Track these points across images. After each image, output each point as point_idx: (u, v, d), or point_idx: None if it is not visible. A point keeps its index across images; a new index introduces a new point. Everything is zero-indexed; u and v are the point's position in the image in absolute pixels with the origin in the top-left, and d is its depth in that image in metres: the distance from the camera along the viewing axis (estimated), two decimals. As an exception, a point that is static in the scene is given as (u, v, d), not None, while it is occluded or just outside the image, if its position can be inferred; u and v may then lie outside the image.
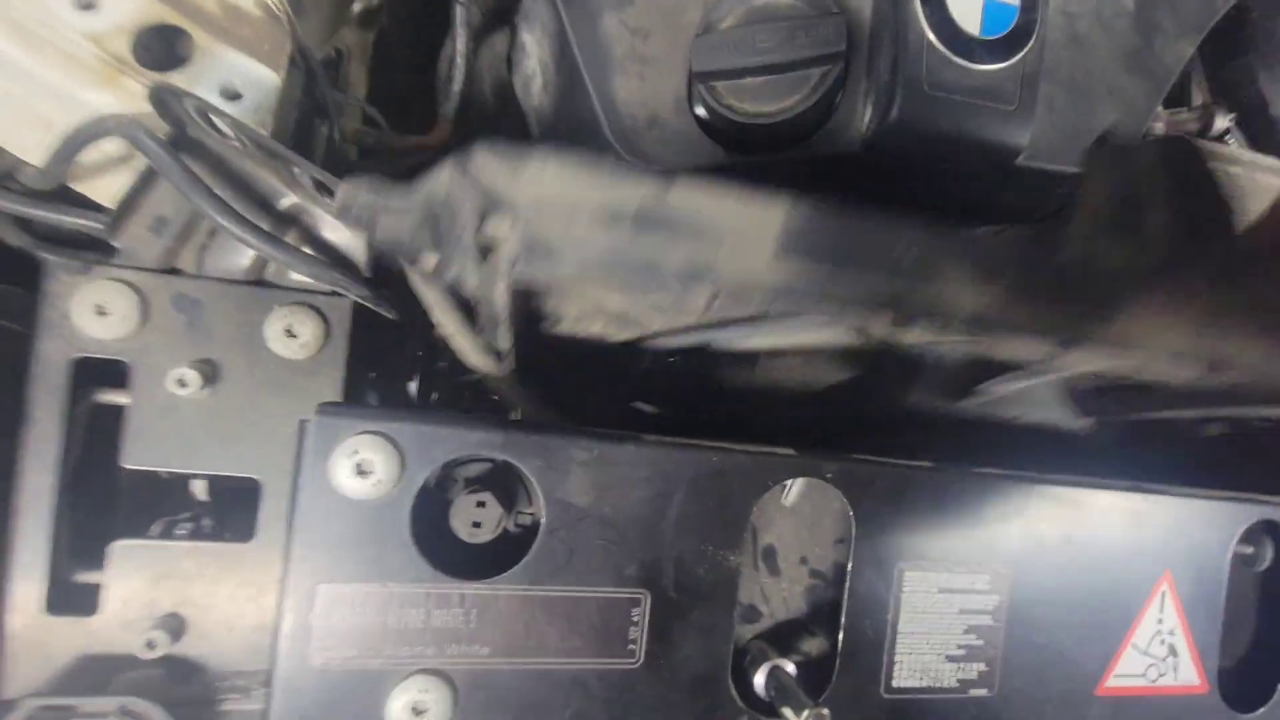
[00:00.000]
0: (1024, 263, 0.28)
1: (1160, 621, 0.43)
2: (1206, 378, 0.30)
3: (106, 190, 0.43)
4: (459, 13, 0.57)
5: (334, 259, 0.37)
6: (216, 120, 0.34)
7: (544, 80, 0.60)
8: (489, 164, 0.27)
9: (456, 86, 0.58)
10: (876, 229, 0.29)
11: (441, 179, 0.28)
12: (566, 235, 0.26)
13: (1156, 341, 0.29)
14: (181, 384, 0.35)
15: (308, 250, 0.36)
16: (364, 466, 0.31)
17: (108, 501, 0.38)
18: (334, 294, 0.37)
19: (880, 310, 0.29)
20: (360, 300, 0.38)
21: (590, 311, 0.37)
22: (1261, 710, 0.46)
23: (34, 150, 0.43)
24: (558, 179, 0.27)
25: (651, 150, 0.47)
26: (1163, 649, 0.44)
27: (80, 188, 0.43)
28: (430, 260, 0.28)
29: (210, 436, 0.36)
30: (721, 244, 0.26)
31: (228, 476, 0.36)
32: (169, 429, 0.35)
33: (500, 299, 0.30)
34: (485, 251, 0.27)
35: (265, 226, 0.35)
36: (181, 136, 0.34)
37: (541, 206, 0.26)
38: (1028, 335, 0.29)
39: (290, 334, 0.36)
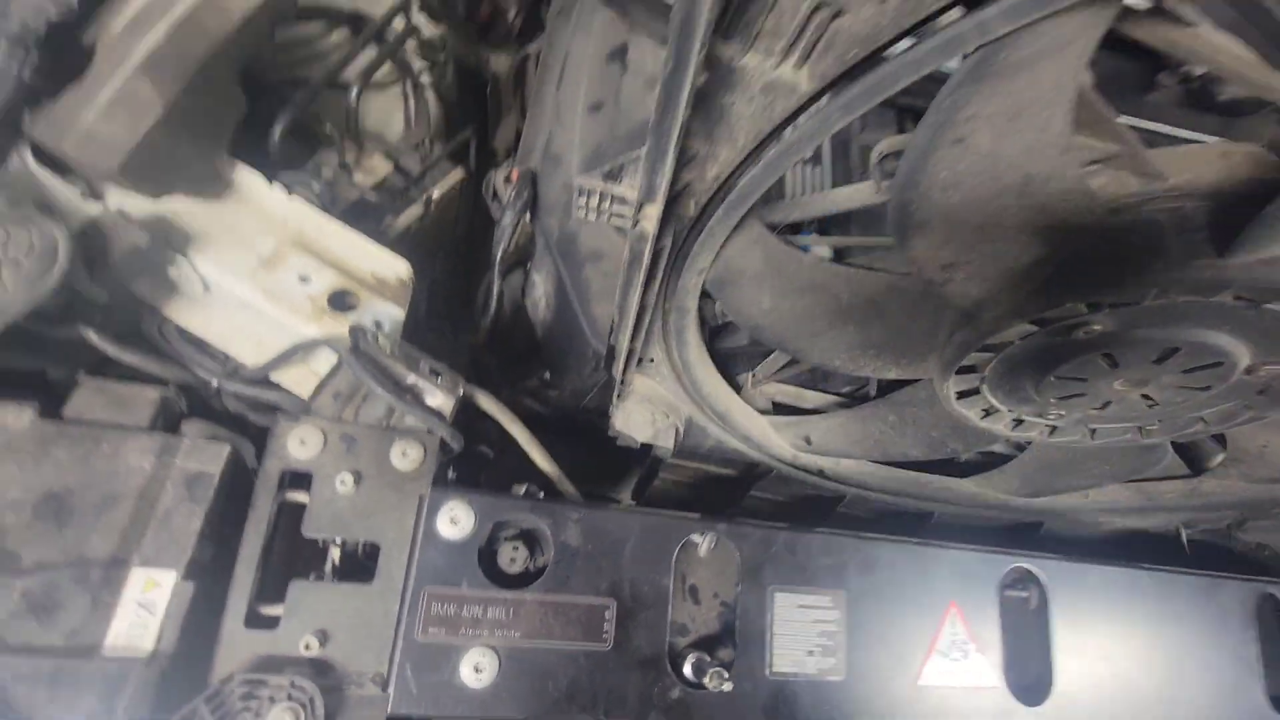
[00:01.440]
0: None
1: (954, 636, 0.66)
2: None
3: (292, 380, 0.71)
4: (497, 258, 0.89)
5: (431, 413, 0.64)
6: (381, 338, 0.63)
7: (547, 303, 0.92)
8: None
9: (491, 306, 0.90)
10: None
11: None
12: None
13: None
14: (342, 484, 0.60)
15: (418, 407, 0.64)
16: (455, 519, 0.56)
17: (284, 559, 0.61)
18: (429, 433, 0.64)
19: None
20: (444, 438, 0.65)
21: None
22: (1044, 704, 0.67)
23: (249, 357, 0.71)
24: None
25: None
26: (960, 654, 0.65)
27: (277, 379, 0.71)
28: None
29: (355, 516, 0.60)
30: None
31: (363, 542, 0.60)
32: (332, 512, 0.60)
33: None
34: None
35: (397, 392, 0.63)
36: (356, 348, 0.63)
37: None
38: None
39: (404, 455, 0.62)
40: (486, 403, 0.66)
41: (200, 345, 0.69)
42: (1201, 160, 0.45)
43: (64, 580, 0.53)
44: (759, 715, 0.59)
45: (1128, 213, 0.44)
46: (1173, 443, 0.69)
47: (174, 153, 0.61)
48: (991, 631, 0.67)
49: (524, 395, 0.99)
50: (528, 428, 0.70)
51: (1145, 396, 0.54)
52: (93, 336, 0.61)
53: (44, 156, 0.58)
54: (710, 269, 0.55)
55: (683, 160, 0.44)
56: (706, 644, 0.62)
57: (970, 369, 0.54)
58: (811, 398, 0.78)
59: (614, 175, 0.51)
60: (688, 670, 0.59)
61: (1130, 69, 0.66)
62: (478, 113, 1.18)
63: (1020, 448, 0.74)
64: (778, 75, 0.38)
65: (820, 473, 0.80)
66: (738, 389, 0.72)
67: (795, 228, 0.66)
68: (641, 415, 0.68)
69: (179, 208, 0.65)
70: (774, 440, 0.76)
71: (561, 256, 0.88)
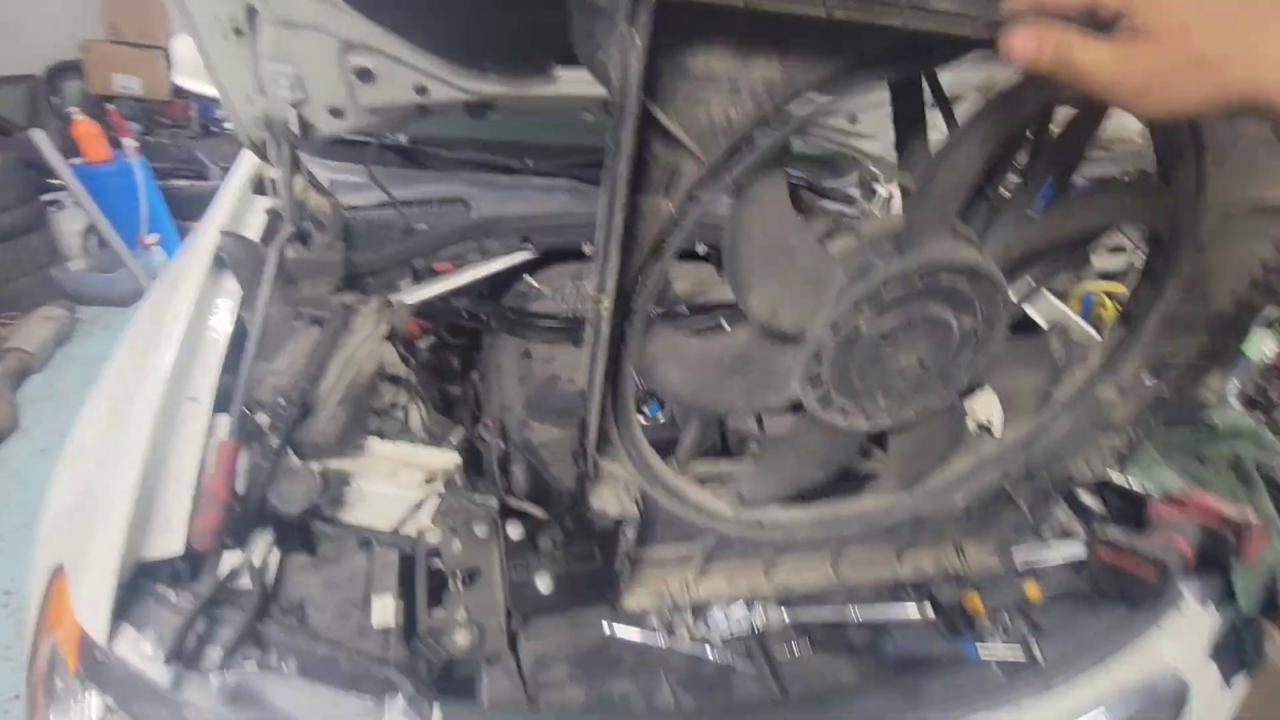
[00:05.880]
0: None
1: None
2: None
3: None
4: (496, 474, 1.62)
5: (490, 509, 1.32)
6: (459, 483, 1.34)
7: (524, 478, 1.63)
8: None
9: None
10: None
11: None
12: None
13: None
14: (456, 548, 1.25)
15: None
16: (515, 532, 1.22)
17: (437, 589, 1.21)
18: (490, 517, 1.31)
19: None
20: (497, 519, 1.32)
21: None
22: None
23: (385, 523, 1.36)
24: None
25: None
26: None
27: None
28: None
29: (465, 559, 1.24)
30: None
31: (471, 569, 1.23)
32: (455, 560, 1.23)
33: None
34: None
35: (471, 504, 1.31)
36: (449, 492, 1.32)
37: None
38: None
39: (481, 529, 1.29)
40: (513, 501, 1.36)
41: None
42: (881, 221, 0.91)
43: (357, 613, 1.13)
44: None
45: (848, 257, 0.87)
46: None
47: (350, 436, 1.37)
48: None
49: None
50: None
51: (920, 362, 0.93)
52: (320, 526, 1.28)
53: (298, 448, 1.32)
54: (636, 358, 0.87)
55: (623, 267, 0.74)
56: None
57: (817, 377, 0.91)
58: (725, 465, 1.24)
59: (578, 279, 0.93)
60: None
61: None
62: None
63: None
64: (656, 204, 0.71)
65: (759, 525, 1.14)
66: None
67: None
68: (610, 493, 1.01)
69: (347, 463, 1.38)
70: (717, 504, 1.09)
71: (527, 451, 1.64)
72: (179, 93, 4.97)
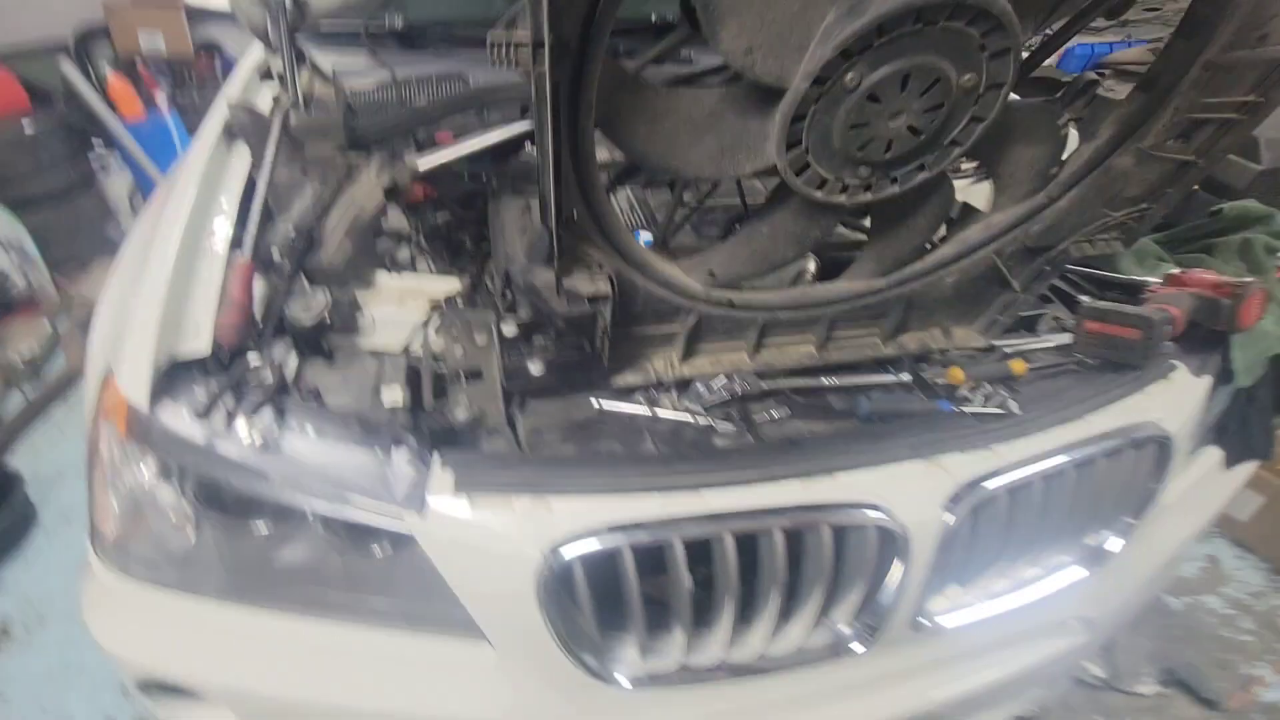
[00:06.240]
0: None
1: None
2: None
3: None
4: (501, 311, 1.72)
5: (487, 321, 1.41)
6: (460, 302, 1.43)
7: (527, 317, 1.72)
8: None
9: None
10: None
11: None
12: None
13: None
14: (460, 354, 1.34)
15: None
16: (509, 329, 1.31)
17: (440, 387, 1.31)
18: (489, 326, 1.40)
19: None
20: (493, 327, 1.40)
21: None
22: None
23: (394, 345, 1.47)
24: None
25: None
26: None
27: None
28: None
29: (468, 361, 1.33)
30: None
31: (472, 368, 1.33)
32: (457, 362, 1.33)
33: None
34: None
35: (467, 316, 1.40)
36: (448, 309, 1.42)
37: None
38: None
39: (481, 337, 1.38)
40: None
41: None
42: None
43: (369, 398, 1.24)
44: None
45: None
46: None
47: (355, 265, 1.47)
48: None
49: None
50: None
51: (911, 129, 0.81)
52: (333, 341, 1.39)
53: (309, 274, 1.42)
54: (595, 112, 0.77)
55: (552, 9, 0.62)
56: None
57: (796, 143, 0.82)
58: (705, 244, 1.28)
59: (511, 26, 0.68)
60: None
61: None
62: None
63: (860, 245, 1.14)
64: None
65: (730, 303, 1.12)
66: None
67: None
68: (580, 273, 1.03)
69: (357, 294, 1.48)
70: (688, 282, 1.08)
71: (530, 293, 1.71)
72: (201, 49, 5.11)
